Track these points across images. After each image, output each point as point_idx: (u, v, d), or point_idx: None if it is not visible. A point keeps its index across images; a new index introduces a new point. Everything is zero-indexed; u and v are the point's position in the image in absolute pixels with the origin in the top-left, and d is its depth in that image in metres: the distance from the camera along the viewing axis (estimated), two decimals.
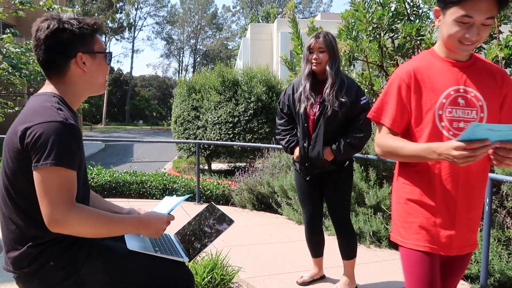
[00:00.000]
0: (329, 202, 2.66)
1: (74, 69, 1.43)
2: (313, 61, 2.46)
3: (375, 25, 4.43)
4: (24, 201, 1.32)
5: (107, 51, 1.51)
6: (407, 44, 4.41)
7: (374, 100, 4.79)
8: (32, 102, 1.38)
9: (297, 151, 2.63)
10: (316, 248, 2.84)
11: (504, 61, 4.04)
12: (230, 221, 1.64)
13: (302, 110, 2.53)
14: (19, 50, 8.33)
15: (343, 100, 2.43)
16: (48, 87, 1.44)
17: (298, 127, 2.64)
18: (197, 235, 1.68)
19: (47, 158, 1.25)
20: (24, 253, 1.33)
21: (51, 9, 7.99)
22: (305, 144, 2.55)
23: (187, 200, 5.90)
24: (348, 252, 2.70)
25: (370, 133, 2.52)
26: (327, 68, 2.46)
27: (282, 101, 2.72)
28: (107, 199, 1.74)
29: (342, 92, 2.45)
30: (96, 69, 1.47)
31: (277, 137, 2.77)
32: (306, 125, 2.55)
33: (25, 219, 1.33)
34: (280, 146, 5.29)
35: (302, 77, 2.56)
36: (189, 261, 1.57)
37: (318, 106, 2.50)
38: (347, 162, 2.60)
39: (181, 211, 5.10)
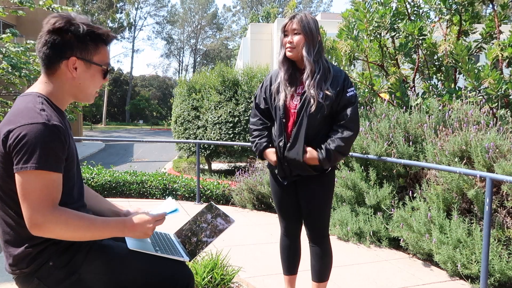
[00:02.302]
0: (305, 213, 2.26)
1: (63, 71, 1.38)
2: (287, 44, 2.11)
3: (377, 24, 4.43)
4: (14, 203, 1.31)
5: (105, 66, 1.45)
6: (409, 44, 4.41)
7: (374, 100, 4.79)
8: (18, 103, 1.37)
9: (270, 155, 2.23)
10: (290, 263, 2.40)
11: (507, 60, 4.04)
12: (230, 221, 1.64)
13: (281, 102, 2.14)
14: (19, 50, 8.32)
15: (328, 92, 2.07)
16: (35, 87, 1.42)
17: (275, 124, 2.23)
18: (197, 235, 1.67)
19: (28, 161, 1.22)
20: (23, 254, 1.33)
21: (50, 9, 7.99)
22: (281, 144, 2.17)
23: (187, 200, 5.90)
24: (320, 273, 2.28)
25: (358, 130, 2.15)
26: (304, 53, 2.07)
27: (258, 95, 2.30)
28: (107, 199, 1.74)
29: (327, 82, 2.09)
30: (87, 78, 1.42)
31: (249, 138, 2.36)
32: (284, 120, 2.15)
33: (17, 220, 1.32)
34: None
35: (278, 64, 2.19)
36: (189, 261, 1.57)
37: (299, 98, 2.13)
38: (329, 168, 2.21)
39: (180, 211, 5.09)
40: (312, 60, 2.07)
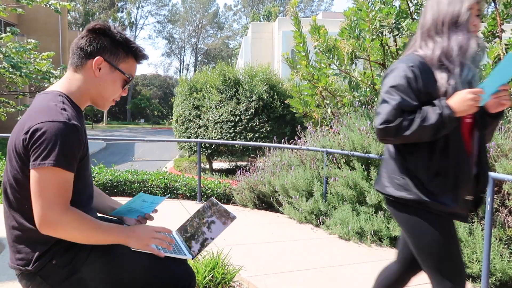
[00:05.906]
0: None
1: (88, 69, 1.44)
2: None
3: (380, 23, 4.42)
4: (26, 200, 1.32)
5: (129, 77, 1.49)
6: None
7: (376, 100, 4.78)
8: (38, 101, 1.39)
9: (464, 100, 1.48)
10: None
11: None
12: (231, 217, 1.63)
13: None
14: (19, 49, 8.33)
15: None
16: (57, 85, 1.46)
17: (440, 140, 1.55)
18: (199, 232, 1.67)
19: (46, 158, 1.24)
20: (29, 252, 1.33)
21: (48, 5, 8.01)
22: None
23: (188, 199, 5.90)
24: None
25: None
26: None
27: (404, 91, 1.53)
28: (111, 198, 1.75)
29: None
30: (108, 81, 1.46)
31: (407, 133, 1.50)
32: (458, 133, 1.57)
33: (27, 218, 1.33)
34: (281, 145, 5.29)
35: (464, 58, 1.52)
36: (192, 259, 1.57)
37: None
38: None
39: (182, 210, 5.10)
40: None
